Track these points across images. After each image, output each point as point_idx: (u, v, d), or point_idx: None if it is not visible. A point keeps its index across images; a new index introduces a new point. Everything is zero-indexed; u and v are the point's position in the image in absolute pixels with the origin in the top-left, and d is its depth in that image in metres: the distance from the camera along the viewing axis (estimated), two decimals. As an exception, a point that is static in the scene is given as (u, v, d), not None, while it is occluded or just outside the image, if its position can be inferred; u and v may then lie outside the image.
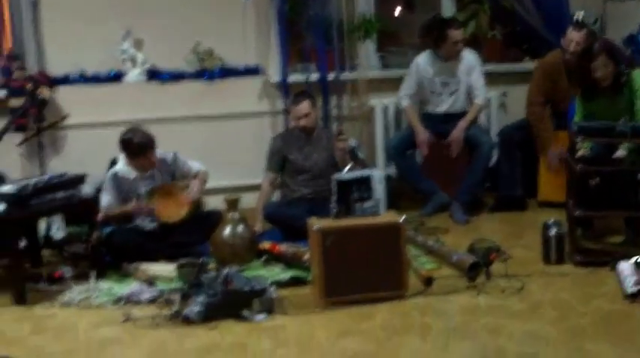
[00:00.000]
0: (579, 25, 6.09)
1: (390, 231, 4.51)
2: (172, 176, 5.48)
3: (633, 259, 4.60)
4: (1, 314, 4.54)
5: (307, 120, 5.76)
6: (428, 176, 6.35)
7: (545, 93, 6.20)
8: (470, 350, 3.80)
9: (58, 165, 5.95)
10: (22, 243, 5.19)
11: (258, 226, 5.67)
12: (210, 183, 5.68)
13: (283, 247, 5.17)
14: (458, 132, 6.22)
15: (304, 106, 5.77)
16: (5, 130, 5.46)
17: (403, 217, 4.61)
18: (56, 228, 5.68)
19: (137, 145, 5.28)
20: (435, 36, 6.35)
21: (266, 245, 5.24)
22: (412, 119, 6.38)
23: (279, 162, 5.86)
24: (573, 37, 5.94)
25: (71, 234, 5.67)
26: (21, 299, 4.67)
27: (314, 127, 5.84)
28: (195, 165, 5.56)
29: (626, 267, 4.54)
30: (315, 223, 4.53)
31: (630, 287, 4.32)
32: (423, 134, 6.29)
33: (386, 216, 4.65)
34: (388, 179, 6.45)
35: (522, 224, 5.86)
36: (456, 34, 6.24)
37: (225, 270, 4.47)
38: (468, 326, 4.08)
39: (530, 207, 6.30)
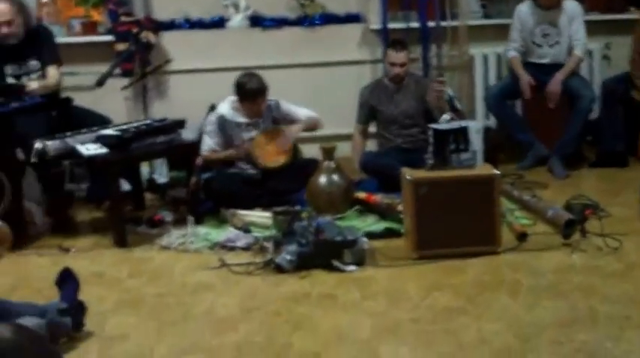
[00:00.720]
0: None
1: (485, 184, 4.46)
2: (275, 123, 5.54)
3: None
4: (102, 256, 4.72)
5: (401, 69, 5.72)
6: (527, 128, 6.24)
7: None
8: (560, 309, 3.75)
9: (161, 110, 6.07)
10: (125, 187, 5.39)
11: (355, 175, 5.70)
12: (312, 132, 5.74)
13: (378, 197, 5.19)
14: (555, 84, 6.08)
15: (402, 55, 5.74)
16: (108, 74, 5.59)
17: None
18: (159, 172, 5.83)
19: (250, 91, 5.35)
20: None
21: (361, 195, 5.27)
22: (517, 67, 6.25)
23: (368, 113, 5.88)
24: None
25: (173, 178, 5.82)
26: (121, 242, 4.83)
27: (404, 77, 5.79)
28: (302, 112, 5.60)
29: None
30: (409, 173, 4.52)
31: None
32: (525, 77, 6.17)
33: (481, 169, 4.61)
34: (487, 131, 6.41)
35: (622, 181, 5.73)
36: None
37: (318, 220, 4.52)
38: (559, 285, 4.03)
39: (631, 164, 6.14)
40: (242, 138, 5.42)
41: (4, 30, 5.35)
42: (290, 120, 5.56)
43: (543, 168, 6.06)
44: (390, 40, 6.17)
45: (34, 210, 5.16)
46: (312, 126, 5.61)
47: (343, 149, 5.92)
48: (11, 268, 4.58)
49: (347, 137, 6.12)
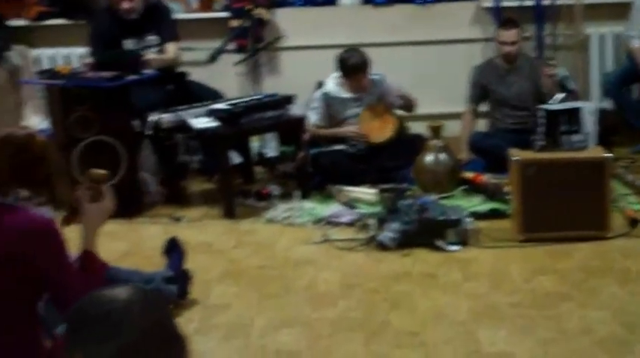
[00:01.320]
0: None
1: (595, 167, 4.37)
2: (379, 98, 5.54)
3: None
4: (210, 226, 4.84)
5: (512, 47, 5.62)
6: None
7: None
8: (668, 298, 3.66)
9: (272, 85, 6.14)
10: (236, 160, 5.49)
11: (463, 155, 5.65)
12: (420, 110, 5.71)
13: (485, 178, 5.13)
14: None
15: (512, 33, 5.63)
16: (220, 50, 5.68)
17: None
18: (269, 146, 5.91)
19: (352, 66, 5.38)
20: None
21: (469, 174, 5.22)
22: (637, 55, 6.05)
23: (480, 93, 5.80)
24: None
25: (283, 153, 5.89)
26: (229, 213, 4.94)
27: (516, 56, 5.69)
28: (402, 91, 5.59)
29: None
30: (516, 154, 4.46)
31: None
32: None
33: (592, 151, 4.50)
34: (602, 112, 6.23)
35: None
36: None
37: (422, 198, 4.51)
38: (670, 273, 3.93)
39: None
40: (347, 114, 5.43)
41: (126, 5, 5.49)
42: (393, 95, 5.54)
43: (660, 153, 5.88)
44: (502, 19, 6.06)
45: (149, 180, 5.32)
46: (410, 104, 5.56)
47: (452, 128, 5.87)
48: (125, 235, 4.74)
49: (456, 116, 6.05)
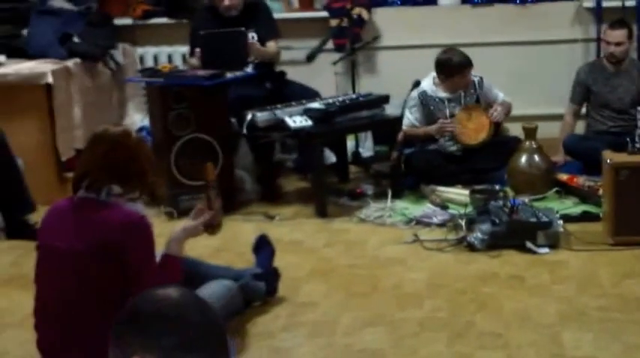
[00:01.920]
0: None
1: (691, 172, 4.28)
2: (477, 100, 5.54)
3: None
4: (302, 225, 4.93)
5: (616, 48, 5.53)
6: None
7: None
8: None
9: (370, 85, 6.19)
10: (331, 159, 5.58)
11: (560, 157, 5.59)
12: (517, 110, 5.70)
13: (580, 180, 5.09)
14: None
15: (618, 34, 5.53)
16: (318, 50, 5.77)
17: None
18: (364, 146, 5.98)
19: (457, 64, 5.38)
20: None
21: (563, 176, 5.18)
22: None
23: (583, 93, 5.71)
24: None
25: (378, 152, 5.95)
26: (322, 212, 5.02)
27: (623, 59, 5.59)
28: (500, 94, 5.58)
29: None
30: (609, 156, 4.41)
31: None
32: None
33: (688, 156, 4.42)
34: None
35: None
36: None
37: (513, 200, 4.51)
38: None
39: None
40: (444, 114, 5.45)
41: (227, 2, 5.63)
42: (491, 98, 5.53)
43: None
44: (606, 19, 5.96)
45: (245, 177, 5.45)
46: (508, 110, 5.55)
47: (551, 130, 5.83)
48: (218, 232, 4.86)
49: (556, 117, 6.00)
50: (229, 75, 5.30)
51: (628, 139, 4.62)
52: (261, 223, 4.95)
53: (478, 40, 6.41)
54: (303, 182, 5.66)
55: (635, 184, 4.29)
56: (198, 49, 5.49)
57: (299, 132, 5.03)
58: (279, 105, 5.26)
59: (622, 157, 4.40)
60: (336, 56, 6.20)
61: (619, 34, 5.53)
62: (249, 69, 5.57)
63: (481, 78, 5.55)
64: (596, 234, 4.43)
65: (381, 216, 4.91)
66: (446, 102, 5.48)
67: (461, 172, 5.33)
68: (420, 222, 4.77)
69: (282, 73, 5.91)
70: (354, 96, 5.54)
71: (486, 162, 5.35)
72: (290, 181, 5.73)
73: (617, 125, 5.58)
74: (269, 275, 3.89)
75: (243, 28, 5.52)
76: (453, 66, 5.38)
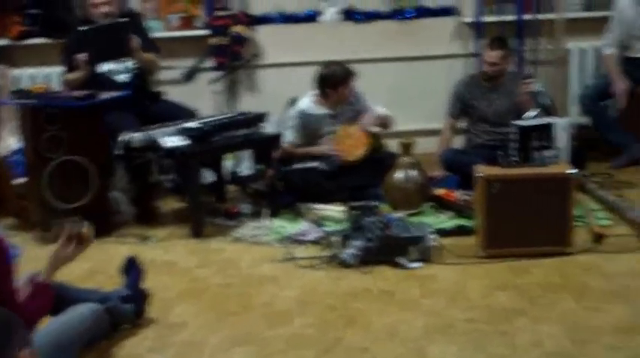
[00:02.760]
0: None
1: (559, 183, 4.34)
2: (356, 115, 5.54)
3: None
4: (177, 246, 4.84)
5: (491, 68, 5.61)
6: (624, 127, 6.01)
7: None
8: (623, 314, 3.62)
9: (251, 103, 6.17)
10: (209, 179, 5.50)
11: (438, 172, 5.63)
12: (397, 126, 5.73)
13: (457, 194, 5.13)
14: (656, 81, 5.87)
15: (495, 55, 5.61)
16: (194, 69, 5.72)
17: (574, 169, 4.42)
18: (244, 164, 5.91)
19: (341, 74, 5.41)
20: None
21: (440, 191, 5.22)
22: (611, 68, 6.04)
23: (461, 107, 5.78)
24: None
25: (258, 171, 5.88)
26: (198, 233, 4.93)
27: (498, 77, 5.68)
28: (380, 109, 5.60)
29: None
30: (481, 170, 4.45)
31: None
32: (622, 83, 5.95)
33: (556, 168, 4.48)
34: (581, 128, 6.24)
35: None
36: None
37: (387, 215, 4.51)
38: (628, 290, 3.89)
39: None
40: (323, 131, 5.43)
41: (104, 9, 5.52)
42: (370, 113, 5.55)
43: (637, 168, 5.83)
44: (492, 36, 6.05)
45: (121, 199, 5.32)
46: (386, 122, 5.57)
47: (431, 144, 5.88)
48: (92, 254, 4.67)
49: (437, 132, 6.05)
50: (104, 95, 5.19)
51: (500, 153, 4.68)
52: (136, 245, 4.84)
53: (359, 56, 6.46)
54: (180, 202, 5.56)
55: (506, 197, 4.33)
56: (81, 55, 5.38)
57: (174, 152, 4.94)
58: (154, 126, 5.18)
59: (493, 171, 4.44)
60: (216, 75, 6.14)
61: (494, 55, 5.60)
62: (126, 76, 5.48)
63: (360, 93, 5.56)
64: (469, 248, 4.45)
65: (257, 234, 4.85)
66: (325, 120, 5.48)
67: (339, 189, 5.31)
68: (295, 240, 4.72)
69: (158, 93, 5.82)
70: (231, 114, 5.48)
71: (364, 179, 5.36)
72: (168, 202, 5.62)
73: (494, 139, 5.65)
74: (137, 297, 3.79)
75: (126, 19, 5.44)
76: (337, 77, 5.39)
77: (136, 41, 5.50)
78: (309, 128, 5.50)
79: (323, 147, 5.47)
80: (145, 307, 3.81)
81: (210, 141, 5.06)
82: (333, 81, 5.41)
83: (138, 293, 3.82)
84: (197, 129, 5.05)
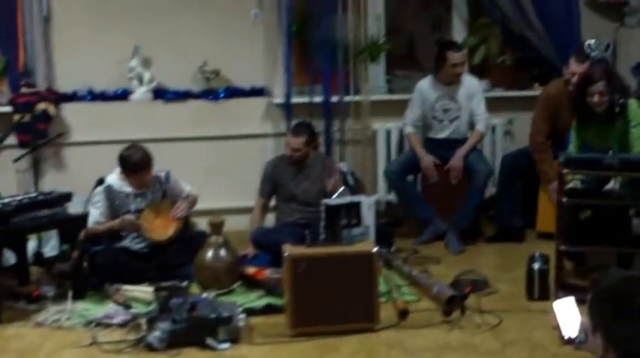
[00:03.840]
0: (582, 56, 5.90)
1: (363, 260, 4.43)
2: (164, 194, 5.48)
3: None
4: (-27, 332, 4.57)
5: (296, 154, 5.72)
6: (427, 202, 6.22)
7: (548, 123, 6.03)
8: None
9: (56, 182, 5.94)
10: (10, 261, 5.25)
11: (250, 250, 5.63)
12: (209, 204, 5.71)
13: (268, 273, 5.12)
14: (456, 159, 6.12)
15: (298, 141, 5.73)
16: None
17: (377, 247, 4.53)
18: (49, 245, 5.70)
19: (135, 164, 5.30)
20: (435, 58, 6.27)
21: (251, 270, 5.20)
22: (415, 145, 6.28)
23: (271, 187, 5.84)
24: (575, 70, 5.76)
25: (64, 251, 5.68)
26: (-4, 318, 4.69)
27: (302, 161, 5.79)
28: (186, 187, 5.57)
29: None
30: (288, 249, 4.48)
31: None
32: (427, 159, 6.19)
33: (360, 245, 4.59)
34: (389, 205, 6.42)
35: (517, 256, 5.65)
36: (455, 56, 6.15)
37: (194, 296, 4.44)
38: (432, 363, 3.99)
39: (529, 238, 6.12)
40: (129, 209, 5.33)
41: None
42: (178, 193, 5.51)
43: (441, 243, 6.03)
44: (295, 122, 6.17)
45: None
46: (192, 204, 5.56)
47: (244, 222, 5.89)
48: None
49: (248, 210, 6.05)
50: None
51: (306, 232, 4.74)
52: None
53: (170, 135, 6.43)
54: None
55: (313, 276, 4.37)
56: None
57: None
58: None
59: (300, 250, 4.48)
60: (19, 153, 5.93)
61: (296, 141, 5.73)
62: None
63: (167, 172, 5.50)
64: (278, 326, 4.44)
65: (59, 318, 4.65)
66: (132, 198, 5.38)
67: (148, 269, 5.20)
68: (100, 323, 4.56)
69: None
70: (33, 194, 5.27)
71: (174, 258, 5.28)
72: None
73: (304, 217, 5.72)
74: None
75: None
76: (133, 163, 5.30)
77: None
78: (115, 206, 5.38)
79: (124, 218, 5.31)
80: None
81: (11, 223, 4.85)
82: (132, 166, 5.33)
83: None
84: (-5, 210, 4.84)
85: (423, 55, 7.37)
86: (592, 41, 6.46)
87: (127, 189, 5.39)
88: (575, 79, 5.63)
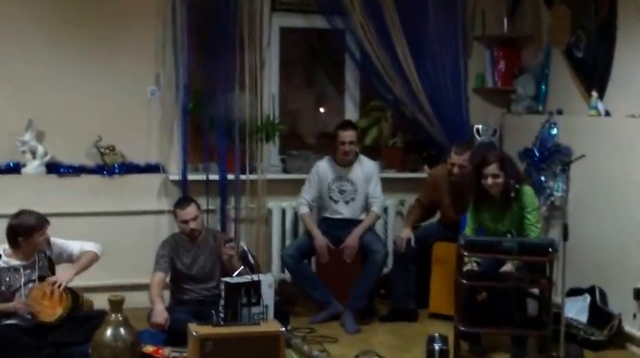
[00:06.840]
0: (460, 148, 6.19)
1: (270, 340, 4.49)
2: (50, 261, 5.42)
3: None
4: None
5: (196, 223, 5.76)
6: (322, 282, 6.30)
7: (428, 198, 6.31)
8: None
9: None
10: None
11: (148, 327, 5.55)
12: (103, 281, 5.61)
13: (166, 351, 5.09)
14: (352, 239, 6.25)
15: (191, 210, 5.78)
16: None
17: (283, 328, 4.58)
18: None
19: (32, 223, 5.27)
20: (330, 138, 6.44)
21: (149, 348, 5.15)
22: (310, 226, 6.39)
23: (166, 264, 5.81)
24: (455, 161, 6.05)
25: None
26: None
27: (201, 230, 5.82)
28: (76, 245, 5.50)
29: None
30: (195, 329, 4.48)
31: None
32: (321, 240, 6.29)
33: (267, 326, 4.63)
34: (283, 283, 6.49)
35: (411, 335, 5.83)
36: (343, 134, 6.32)
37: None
38: None
39: (421, 318, 6.27)
40: (19, 285, 5.23)
41: None
42: (66, 256, 5.46)
43: (336, 322, 6.10)
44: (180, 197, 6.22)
45: None
46: (89, 262, 5.48)
47: (141, 299, 5.82)
48: None
49: (144, 287, 5.99)
50: None
51: (213, 311, 4.75)
52: None
53: (63, 210, 6.33)
54: None
55: (220, 355, 4.39)
56: None
57: None
58: None
59: (207, 330, 4.50)
60: None
61: (192, 210, 5.79)
62: None
63: (47, 239, 5.40)
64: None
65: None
66: (21, 270, 5.29)
67: (40, 348, 5.06)
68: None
69: None
70: None
71: (69, 336, 5.15)
72: None
73: (200, 294, 5.72)
74: None
75: None
76: (30, 224, 5.24)
77: None
78: (5, 281, 5.26)
79: (15, 303, 5.20)
80: None
81: None
82: (26, 228, 5.25)
83: None
84: None
85: (307, 132, 7.58)
86: (480, 126, 6.78)
87: (15, 262, 5.31)
88: (456, 170, 5.94)
